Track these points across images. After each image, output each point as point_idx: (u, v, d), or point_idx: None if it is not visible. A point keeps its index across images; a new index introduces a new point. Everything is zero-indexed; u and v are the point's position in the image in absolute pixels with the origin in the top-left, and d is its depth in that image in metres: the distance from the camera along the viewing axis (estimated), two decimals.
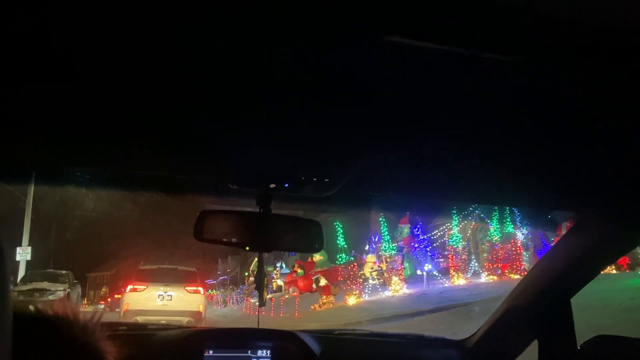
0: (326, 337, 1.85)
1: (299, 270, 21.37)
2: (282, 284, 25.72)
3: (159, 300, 11.09)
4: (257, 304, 18.22)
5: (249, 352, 1.70)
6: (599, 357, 1.53)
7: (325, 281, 15.09)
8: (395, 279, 15.03)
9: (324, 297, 14.53)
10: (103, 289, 39.75)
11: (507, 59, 0.70)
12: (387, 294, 14.88)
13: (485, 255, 15.88)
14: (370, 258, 18.05)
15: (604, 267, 1.59)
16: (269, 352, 1.70)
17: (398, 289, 14.70)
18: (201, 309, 11.34)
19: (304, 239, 1.42)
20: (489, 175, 1.25)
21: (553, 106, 0.89)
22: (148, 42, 0.72)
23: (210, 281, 40.05)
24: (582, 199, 1.39)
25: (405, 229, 18.94)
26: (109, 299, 35.99)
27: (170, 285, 11.16)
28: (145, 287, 11.19)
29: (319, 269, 19.74)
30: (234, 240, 1.37)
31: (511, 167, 1.18)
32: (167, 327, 2.01)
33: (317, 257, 20.56)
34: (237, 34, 0.69)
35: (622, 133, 0.98)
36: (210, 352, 1.67)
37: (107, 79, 0.83)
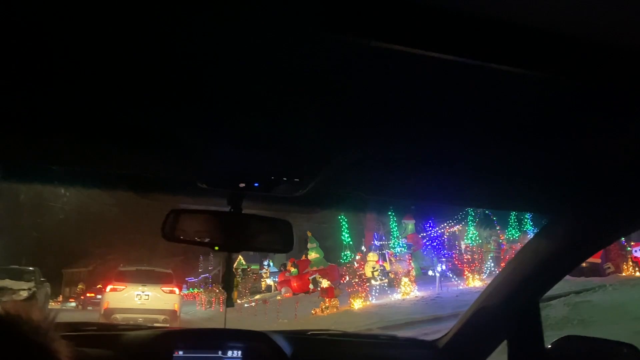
0: (298, 338, 1.83)
1: (293, 269, 19.60)
2: (272, 283, 24.12)
3: (137, 299, 11.71)
4: (245, 304, 16.91)
5: (220, 352, 1.66)
6: (566, 357, 1.55)
7: (328, 282, 13.46)
8: (404, 280, 13.54)
9: (327, 300, 12.91)
10: (80, 286, 38.14)
11: (475, 63, 0.71)
12: (397, 297, 13.48)
13: (492, 255, 14.68)
14: (372, 256, 16.56)
15: (571, 269, 1.61)
16: (239, 352, 1.66)
17: (408, 291, 13.24)
18: (176, 307, 11.96)
19: (274, 239, 1.40)
20: (459, 177, 1.25)
21: (525, 113, 0.91)
22: (116, 37, 0.71)
23: (192, 279, 38.70)
24: (551, 203, 1.42)
25: (410, 225, 17.15)
26: (82, 297, 35.04)
27: (148, 286, 11.83)
28: (124, 287, 11.73)
29: (314, 268, 18.19)
30: (203, 240, 1.35)
31: (481, 170, 1.19)
32: (137, 327, 1.97)
33: (313, 254, 18.93)
34: (204, 31, 0.70)
35: (591, 141, 1.01)
36: (180, 352, 1.63)
37: (73, 74, 0.82)
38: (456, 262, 14.26)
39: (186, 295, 33.98)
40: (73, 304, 36.72)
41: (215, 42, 0.70)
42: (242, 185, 1.22)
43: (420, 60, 0.71)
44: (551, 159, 1.10)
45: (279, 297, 18.31)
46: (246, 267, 26.56)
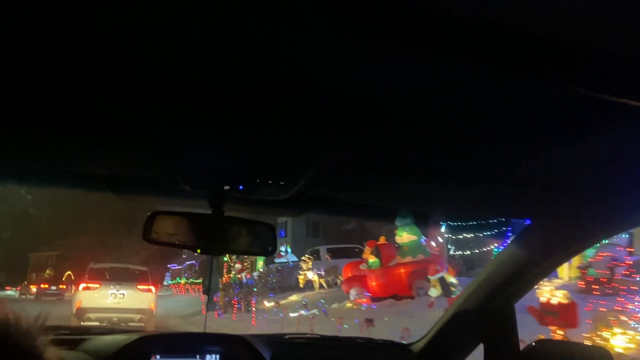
0: (276, 342, 1.84)
1: (372, 259, 11.45)
2: (315, 278, 17.06)
3: (111, 298, 11.35)
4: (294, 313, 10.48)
5: (198, 356, 1.66)
6: None
7: (568, 295, 6.05)
8: None
9: (560, 331, 6.07)
10: (47, 271, 35.90)
11: (459, 65, 0.71)
12: None
13: None
14: None
15: (547, 274, 1.64)
16: (218, 357, 1.67)
17: None
18: (152, 306, 11.74)
19: (257, 242, 1.42)
20: (442, 182, 1.27)
21: (508, 118, 0.92)
22: (94, 30, 0.70)
23: (174, 266, 36.25)
24: (530, 208, 1.44)
25: None
26: (31, 286, 30.88)
27: (123, 284, 11.59)
28: (98, 285, 11.45)
29: (409, 258, 11.29)
30: (184, 242, 1.39)
31: (464, 175, 1.20)
32: (112, 330, 1.90)
33: (405, 236, 10.65)
34: (188, 28, 0.69)
35: (573, 147, 1.02)
36: (157, 357, 1.63)
37: (49, 68, 0.80)
38: None
39: (172, 287, 29.31)
40: (11, 293, 31.78)
41: (200, 39, 0.70)
42: (226, 187, 1.23)
43: (405, 64, 0.72)
44: (533, 164, 1.12)
45: (349, 304, 11.55)
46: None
